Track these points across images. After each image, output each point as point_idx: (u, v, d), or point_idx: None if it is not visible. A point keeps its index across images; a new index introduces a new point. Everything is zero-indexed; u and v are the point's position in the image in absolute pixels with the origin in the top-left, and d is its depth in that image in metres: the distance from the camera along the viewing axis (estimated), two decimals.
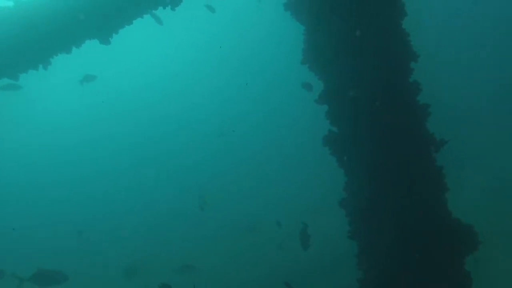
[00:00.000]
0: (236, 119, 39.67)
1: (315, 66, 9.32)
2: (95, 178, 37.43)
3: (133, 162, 38.89)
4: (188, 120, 42.65)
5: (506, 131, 22.76)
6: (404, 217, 7.77)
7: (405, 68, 8.45)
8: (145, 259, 20.83)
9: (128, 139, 42.04)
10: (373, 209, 7.99)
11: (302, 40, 9.66)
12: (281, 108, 40.75)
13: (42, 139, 43.15)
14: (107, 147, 41.91)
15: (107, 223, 27.71)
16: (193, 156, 37.11)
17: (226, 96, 44.77)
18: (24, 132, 43.67)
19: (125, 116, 44.71)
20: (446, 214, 8.03)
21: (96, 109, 44.57)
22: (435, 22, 35.04)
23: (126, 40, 14.35)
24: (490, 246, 8.10)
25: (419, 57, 8.59)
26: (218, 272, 16.96)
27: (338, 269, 11.59)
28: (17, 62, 12.16)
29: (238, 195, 28.12)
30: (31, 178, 38.65)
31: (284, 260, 13.62)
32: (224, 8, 35.17)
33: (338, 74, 8.60)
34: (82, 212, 30.82)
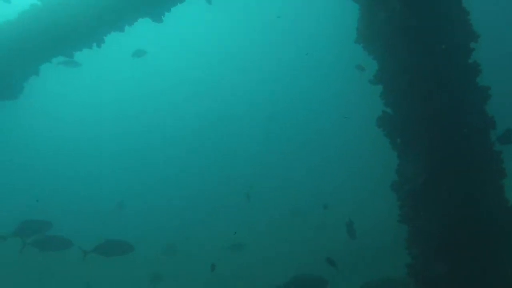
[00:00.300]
0: (283, 105, 39.55)
1: (370, 45, 9.11)
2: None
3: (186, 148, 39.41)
4: (235, 107, 42.80)
5: None
6: (459, 202, 7.51)
7: (465, 48, 8.14)
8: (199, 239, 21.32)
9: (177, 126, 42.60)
10: (426, 193, 7.77)
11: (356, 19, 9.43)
12: (326, 93, 40.29)
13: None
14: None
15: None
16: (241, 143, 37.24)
17: (273, 81, 44.63)
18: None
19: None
20: (503, 201, 7.72)
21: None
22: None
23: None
24: None
25: (479, 37, 8.24)
26: (265, 250, 17.18)
27: (386, 253, 11.41)
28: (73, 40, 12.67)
29: (286, 181, 28.17)
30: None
31: (330, 241, 13.54)
32: None
33: (393, 55, 8.35)
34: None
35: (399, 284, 8.96)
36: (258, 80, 45.66)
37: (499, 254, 7.40)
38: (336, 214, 18.19)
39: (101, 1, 11.82)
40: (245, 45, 48.21)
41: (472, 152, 7.83)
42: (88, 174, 36.76)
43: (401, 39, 8.22)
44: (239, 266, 15.33)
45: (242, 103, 43.30)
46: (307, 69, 43.11)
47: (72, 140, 41.99)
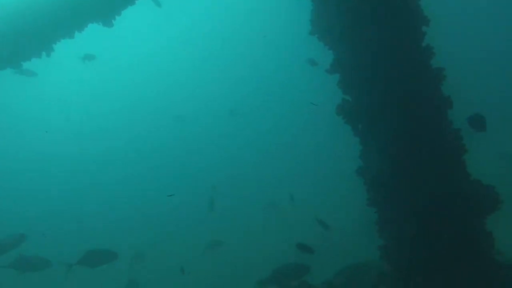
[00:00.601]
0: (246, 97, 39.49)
1: (324, 36, 9.20)
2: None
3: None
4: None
5: None
6: (424, 181, 7.70)
7: (417, 32, 8.33)
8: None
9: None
10: (391, 176, 7.94)
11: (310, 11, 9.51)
12: (287, 85, 40.47)
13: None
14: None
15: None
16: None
17: (236, 73, 44.49)
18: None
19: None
20: (465, 176, 7.95)
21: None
22: None
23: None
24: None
25: (430, 21, 8.44)
26: (244, 246, 17.20)
27: (357, 238, 11.62)
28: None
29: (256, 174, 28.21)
30: None
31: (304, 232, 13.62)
32: None
33: (349, 42, 8.46)
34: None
35: (373, 268, 9.14)
36: (220, 77, 45.39)
37: (466, 228, 7.62)
38: (305, 205, 18.46)
39: (50, 8, 11.55)
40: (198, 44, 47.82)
41: (433, 132, 8.02)
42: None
43: (356, 27, 8.36)
44: (219, 264, 15.33)
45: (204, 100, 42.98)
46: (266, 65, 43.11)
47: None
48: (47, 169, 37.23)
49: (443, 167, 7.86)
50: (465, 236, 7.62)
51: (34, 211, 29.19)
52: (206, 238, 16.62)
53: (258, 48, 44.41)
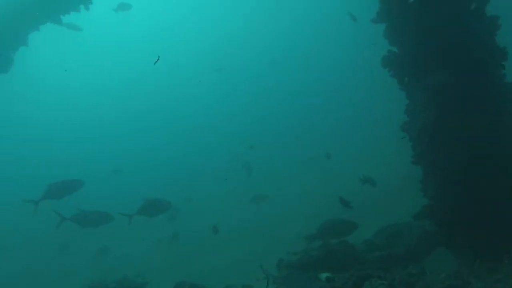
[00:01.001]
0: None
1: None
2: None
3: None
4: None
5: None
6: (471, 137, 7.24)
7: None
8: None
9: None
10: (437, 131, 7.51)
11: None
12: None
13: None
14: None
15: None
16: None
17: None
18: None
19: None
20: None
21: None
22: None
23: None
24: None
25: None
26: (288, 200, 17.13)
27: (400, 197, 11.24)
28: None
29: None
30: None
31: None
32: None
33: None
34: None
35: (414, 227, 8.84)
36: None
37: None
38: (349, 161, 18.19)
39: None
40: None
41: (483, 85, 7.50)
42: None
43: None
44: (263, 218, 15.35)
45: None
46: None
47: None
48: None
49: (492, 124, 7.37)
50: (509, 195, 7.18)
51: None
52: (249, 194, 16.48)
53: None
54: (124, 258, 15.02)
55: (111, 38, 44.17)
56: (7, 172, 29.21)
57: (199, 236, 14.41)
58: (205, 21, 44.79)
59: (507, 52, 7.61)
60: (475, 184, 7.21)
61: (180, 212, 16.26)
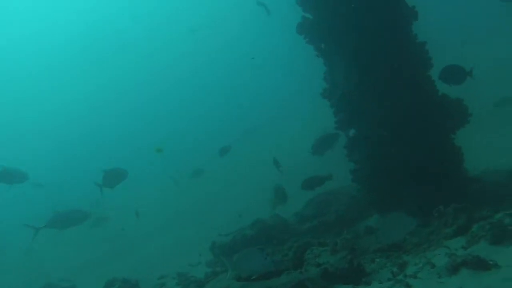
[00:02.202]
0: None
1: None
2: None
3: None
4: None
5: None
6: (391, 96, 7.28)
7: None
8: None
9: None
10: (360, 95, 7.49)
11: None
12: None
13: None
14: None
15: None
16: None
17: None
18: None
19: None
20: (433, 90, 7.59)
21: None
22: None
23: None
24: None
25: None
26: None
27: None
28: None
29: None
30: None
31: None
32: None
33: None
34: None
35: (342, 194, 8.88)
36: None
37: (435, 142, 7.33)
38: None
39: None
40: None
41: (399, 46, 7.54)
42: None
43: None
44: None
45: None
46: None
47: None
48: None
49: (410, 82, 7.44)
50: (435, 151, 7.33)
51: None
52: None
53: None
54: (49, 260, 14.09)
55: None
56: None
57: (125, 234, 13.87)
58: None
59: (417, 12, 7.70)
60: (399, 146, 7.30)
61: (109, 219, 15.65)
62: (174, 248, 10.44)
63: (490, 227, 4.50)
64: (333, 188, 9.35)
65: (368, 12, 7.49)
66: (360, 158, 7.66)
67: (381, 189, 7.49)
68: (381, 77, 7.38)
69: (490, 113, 11.42)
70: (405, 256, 5.04)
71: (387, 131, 7.32)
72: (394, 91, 7.30)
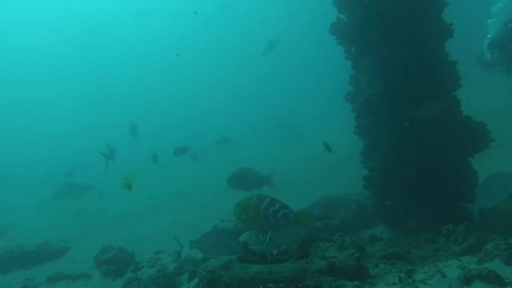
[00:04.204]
0: None
1: None
2: None
3: None
4: None
5: None
6: (413, 108, 7.21)
7: None
8: None
9: None
10: (382, 103, 7.42)
11: None
12: None
13: None
14: None
15: None
16: None
17: None
18: None
19: None
20: (457, 111, 7.50)
21: None
22: None
23: None
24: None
25: None
26: None
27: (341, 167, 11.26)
28: None
29: None
30: None
31: None
32: None
33: None
34: None
35: (351, 201, 8.80)
36: None
37: (453, 163, 7.25)
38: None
39: None
40: None
41: (428, 61, 7.47)
42: None
43: None
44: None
45: None
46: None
47: None
48: None
49: (435, 98, 7.36)
50: (449, 171, 7.25)
51: None
52: None
53: None
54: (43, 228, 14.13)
55: None
56: None
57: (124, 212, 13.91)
58: None
59: (453, 29, 7.62)
60: (416, 158, 7.22)
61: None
62: (174, 228, 10.41)
63: (506, 247, 4.43)
64: (344, 194, 9.32)
65: (404, 22, 7.44)
66: (374, 165, 7.60)
67: (390, 199, 7.45)
68: (405, 88, 7.33)
69: None
70: (411, 266, 4.96)
71: (404, 143, 7.27)
72: (417, 104, 7.25)
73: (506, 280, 3.91)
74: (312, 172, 9.08)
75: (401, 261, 5.40)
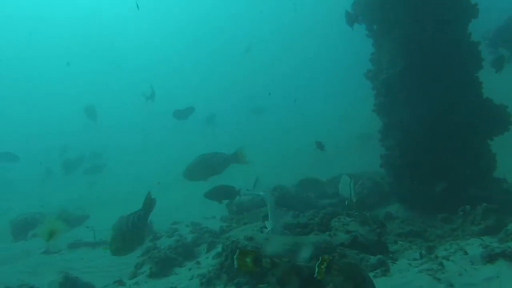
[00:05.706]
0: None
1: None
2: None
3: None
4: None
5: None
6: (436, 92, 7.20)
7: None
8: None
9: None
10: (402, 82, 7.41)
11: None
12: None
13: None
14: None
15: None
16: None
17: None
18: None
19: None
20: (478, 91, 7.46)
21: None
22: None
23: None
24: None
25: None
26: None
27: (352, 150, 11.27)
28: None
29: None
30: None
31: None
32: None
33: None
34: None
35: (365, 179, 8.85)
36: None
37: (472, 145, 7.26)
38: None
39: None
40: None
41: (449, 40, 7.42)
42: None
43: None
44: None
45: None
46: None
47: None
48: None
49: (457, 79, 7.34)
50: (468, 152, 7.26)
51: None
52: None
53: None
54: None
55: None
56: None
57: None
58: None
59: (478, 9, 7.54)
60: (434, 138, 7.23)
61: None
62: (190, 200, 10.48)
63: None
64: (360, 171, 9.38)
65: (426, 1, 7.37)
66: (392, 144, 7.62)
67: (406, 179, 7.48)
68: (427, 68, 7.30)
69: None
70: (431, 243, 5.04)
71: (424, 124, 7.27)
72: (438, 85, 7.24)
73: None
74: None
75: (419, 239, 5.48)
